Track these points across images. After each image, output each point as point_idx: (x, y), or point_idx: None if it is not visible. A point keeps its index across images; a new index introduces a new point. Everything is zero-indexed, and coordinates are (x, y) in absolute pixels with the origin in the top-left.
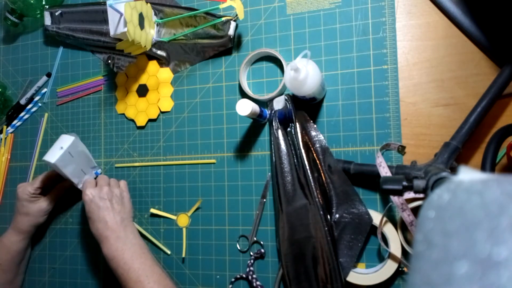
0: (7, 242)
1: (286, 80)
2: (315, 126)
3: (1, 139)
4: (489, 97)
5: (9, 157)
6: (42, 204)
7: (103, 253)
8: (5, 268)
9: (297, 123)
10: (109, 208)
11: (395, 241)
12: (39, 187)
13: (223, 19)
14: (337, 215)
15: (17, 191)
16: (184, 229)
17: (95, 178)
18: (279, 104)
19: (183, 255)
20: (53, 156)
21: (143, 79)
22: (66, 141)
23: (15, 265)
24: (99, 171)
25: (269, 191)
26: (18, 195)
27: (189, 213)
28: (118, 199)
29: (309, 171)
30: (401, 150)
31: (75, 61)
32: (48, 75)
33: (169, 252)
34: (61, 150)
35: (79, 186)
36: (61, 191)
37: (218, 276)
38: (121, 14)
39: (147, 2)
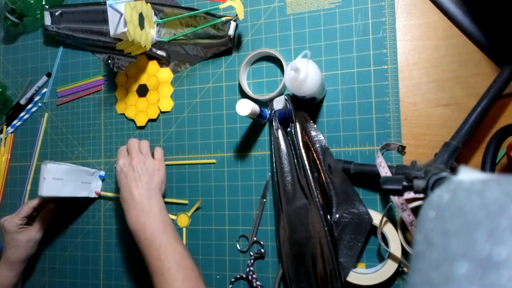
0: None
1: (286, 80)
2: (315, 126)
3: (1, 139)
4: (489, 97)
5: (9, 157)
6: (31, 234)
7: (127, 223)
8: None
9: (297, 123)
10: (136, 179)
11: (395, 241)
12: (25, 217)
13: (223, 19)
14: (337, 215)
15: (2, 225)
16: (184, 229)
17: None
18: (279, 104)
19: None
20: (40, 189)
21: (143, 79)
22: (44, 170)
23: None
24: (102, 173)
25: (269, 191)
26: (4, 228)
27: (189, 213)
28: (146, 172)
29: (309, 171)
30: (401, 150)
31: (75, 61)
32: (48, 75)
33: (186, 202)
34: (44, 181)
35: (92, 195)
36: (47, 216)
37: (218, 276)
38: (121, 14)
39: (147, 2)
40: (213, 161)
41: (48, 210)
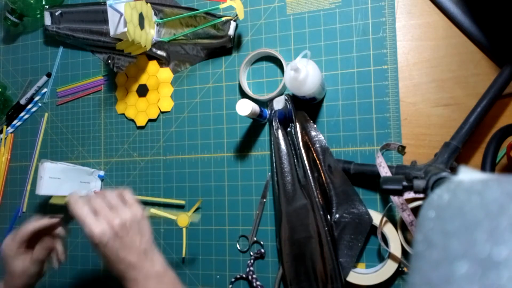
0: None
1: (286, 80)
2: (315, 126)
3: (1, 139)
4: (489, 97)
5: (9, 157)
6: (26, 264)
7: None
8: None
9: (297, 123)
10: (128, 246)
11: (395, 241)
12: (24, 242)
13: (223, 19)
14: (337, 215)
15: (3, 244)
16: (184, 229)
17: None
18: (279, 104)
19: (183, 255)
20: (38, 188)
21: (143, 79)
22: (41, 169)
23: None
24: (101, 173)
25: (269, 191)
26: (3, 249)
27: (189, 213)
28: (135, 229)
29: (309, 171)
30: (401, 150)
31: (75, 61)
32: (48, 75)
33: (183, 202)
34: (41, 180)
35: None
36: (43, 253)
37: (218, 276)
38: (121, 14)
39: (147, 2)
40: (183, 201)
41: (45, 247)
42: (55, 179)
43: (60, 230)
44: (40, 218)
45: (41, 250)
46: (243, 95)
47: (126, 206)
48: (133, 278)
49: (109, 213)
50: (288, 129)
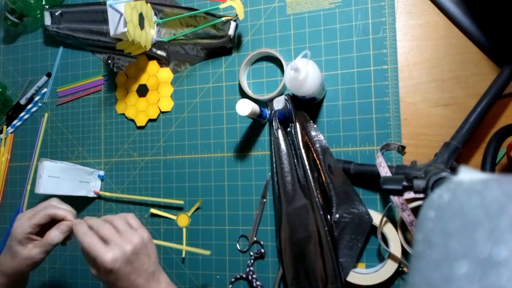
0: None
1: (286, 80)
2: (315, 126)
3: (1, 139)
4: (489, 97)
5: (9, 157)
6: (33, 252)
7: None
8: None
9: (297, 123)
10: (139, 270)
11: (395, 241)
12: (39, 225)
13: (223, 19)
14: (337, 215)
15: (13, 226)
16: (184, 229)
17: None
18: (279, 104)
19: (183, 255)
20: (37, 187)
21: (143, 79)
22: (40, 168)
23: None
24: (101, 172)
25: (269, 191)
26: (14, 230)
27: (189, 213)
28: (142, 253)
29: (309, 171)
30: (401, 150)
31: (75, 61)
32: (48, 75)
33: (182, 202)
34: (40, 178)
35: (91, 195)
36: (48, 244)
37: (218, 276)
38: (121, 14)
39: (147, 2)
40: (181, 201)
41: (49, 240)
42: (54, 178)
43: (66, 223)
44: (61, 203)
45: (50, 237)
46: (243, 95)
47: (133, 230)
48: None
49: (120, 240)
50: (288, 129)
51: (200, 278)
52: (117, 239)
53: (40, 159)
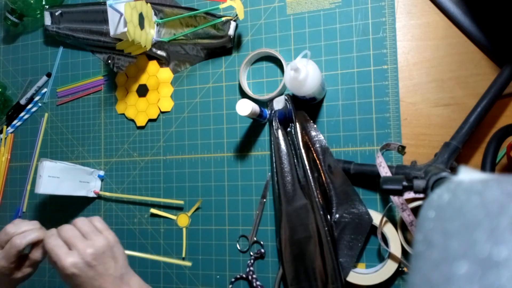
0: None
1: (286, 80)
2: (315, 126)
3: (1, 139)
4: (489, 97)
5: (9, 157)
6: (23, 271)
7: None
8: None
9: (297, 123)
10: (103, 273)
11: (395, 241)
12: (18, 255)
13: (223, 19)
14: (337, 215)
15: (10, 243)
16: (184, 229)
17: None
18: (279, 104)
19: (183, 255)
20: (37, 187)
21: (143, 79)
22: (40, 168)
23: None
24: (101, 172)
25: (269, 191)
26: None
27: (189, 213)
28: (107, 256)
29: (309, 171)
30: (401, 150)
31: (75, 61)
32: (48, 75)
33: (182, 202)
34: (40, 178)
35: (91, 195)
36: (39, 252)
37: (218, 276)
38: (121, 14)
39: (147, 2)
40: (181, 201)
41: (35, 261)
42: (54, 178)
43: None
44: (19, 226)
45: (37, 251)
46: (243, 95)
47: (98, 233)
48: None
49: (81, 243)
50: (288, 129)
51: (200, 278)
52: (79, 241)
53: (40, 159)
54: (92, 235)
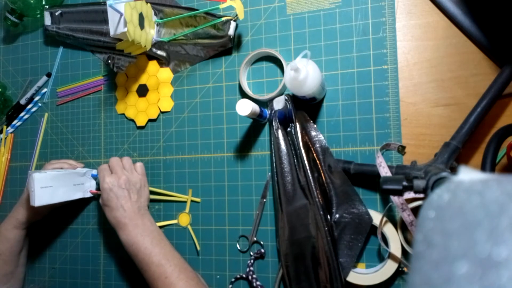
0: (6, 232)
1: (286, 80)
2: (315, 126)
3: (1, 139)
4: (489, 97)
5: (9, 157)
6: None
7: (122, 240)
8: (5, 258)
9: (297, 123)
10: (126, 197)
11: (395, 241)
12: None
13: (223, 19)
14: (337, 215)
15: (28, 182)
16: (189, 227)
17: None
18: (279, 104)
19: (198, 248)
20: (32, 200)
21: (143, 79)
22: (30, 181)
23: (15, 255)
24: (94, 171)
25: (269, 191)
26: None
27: (187, 209)
28: (135, 189)
29: (309, 171)
30: (401, 150)
31: (75, 61)
32: (48, 75)
33: (186, 198)
34: (33, 192)
35: (87, 195)
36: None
37: (218, 276)
38: (121, 14)
39: (147, 2)
40: (189, 195)
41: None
42: (47, 187)
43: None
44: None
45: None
46: (243, 95)
47: (135, 172)
48: (124, 223)
49: (120, 171)
50: (288, 129)
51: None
52: (119, 170)
53: (28, 172)
54: (130, 171)
